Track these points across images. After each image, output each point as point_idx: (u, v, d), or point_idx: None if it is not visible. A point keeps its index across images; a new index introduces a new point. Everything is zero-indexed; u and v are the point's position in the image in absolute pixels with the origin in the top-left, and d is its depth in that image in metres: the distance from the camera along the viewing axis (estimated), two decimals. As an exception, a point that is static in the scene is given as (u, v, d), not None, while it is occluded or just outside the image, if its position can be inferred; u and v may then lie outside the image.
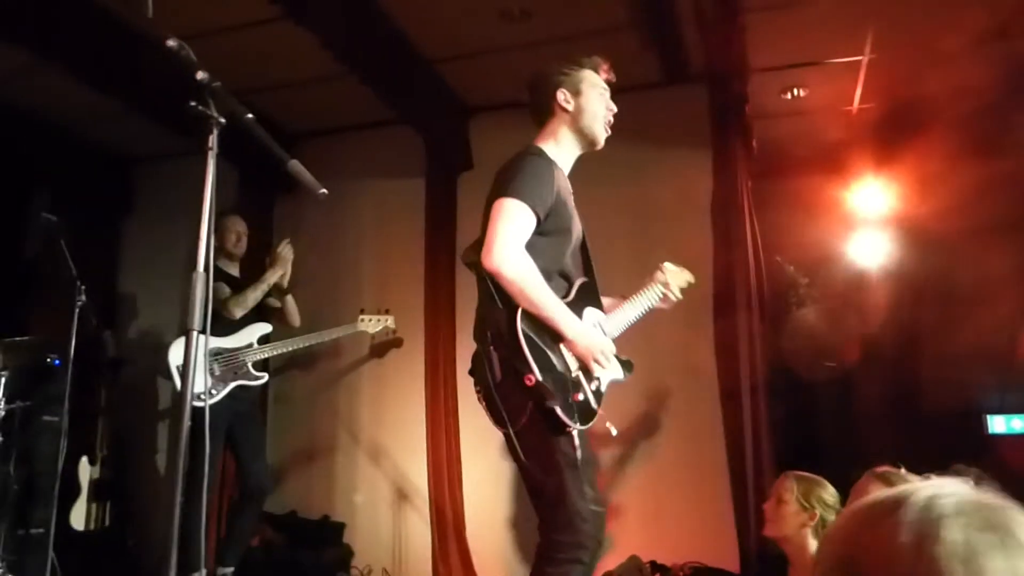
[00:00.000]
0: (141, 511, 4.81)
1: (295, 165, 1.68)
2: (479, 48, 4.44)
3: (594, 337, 2.37)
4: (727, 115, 4.43)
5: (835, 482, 2.85)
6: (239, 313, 4.04)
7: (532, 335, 2.26)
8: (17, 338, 3.86)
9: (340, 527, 4.81)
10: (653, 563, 4.00)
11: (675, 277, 2.85)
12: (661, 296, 2.76)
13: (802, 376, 4.88)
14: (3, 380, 3.71)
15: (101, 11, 3.77)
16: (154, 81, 4.18)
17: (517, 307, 2.25)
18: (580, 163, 2.66)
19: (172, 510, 1.38)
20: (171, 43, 1.56)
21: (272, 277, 4.19)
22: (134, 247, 5.75)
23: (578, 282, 2.52)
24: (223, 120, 1.59)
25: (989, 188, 4.76)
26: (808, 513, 2.72)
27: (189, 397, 1.47)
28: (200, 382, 3.78)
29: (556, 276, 2.43)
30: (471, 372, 2.40)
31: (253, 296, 4.10)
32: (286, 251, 4.26)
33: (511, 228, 2.27)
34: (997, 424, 6.27)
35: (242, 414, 4.01)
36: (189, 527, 3.55)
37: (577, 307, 2.45)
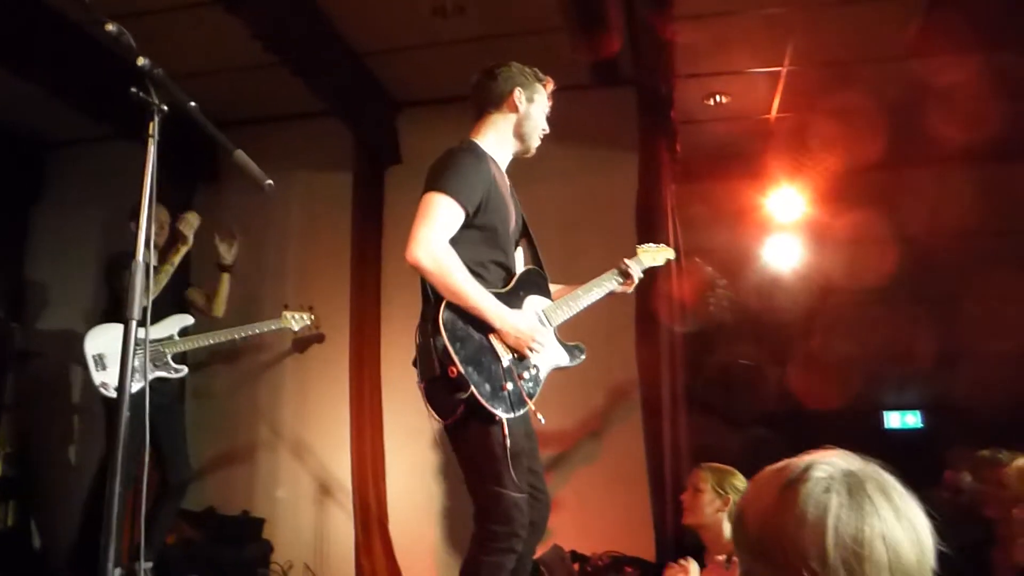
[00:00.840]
0: (48, 510, 4.62)
1: (240, 155, 1.66)
2: (410, 43, 4.44)
3: (524, 325, 2.40)
4: (653, 119, 4.55)
5: (746, 475, 3.00)
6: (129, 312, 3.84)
7: (457, 327, 2.31)
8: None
9: (260, 523, 4.73)
10: (573, 552, 4.09)
11: (650, 257, 2.96)
12: (621, 281, 2.82)
13: (718, 374, 5.08)
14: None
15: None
16: (72, 65, 4.05)
17: (442, 300, 2.31)
18: (510, 163, 2.72)
19: (111, 503, 1.35)
20: (111, 28, 1.53)
21: (176, 257, 4.00)
22: (43, 235, 5.50)
23: (521, 272, 2.59)
24: (164, 107, 1.57)
25: (893, 196, 5.04)
26: (722, 499, 2.88)
27: (127, 387, 1.45)
28: (115, 374, 3.71)
29: (492, 267, 2.48)
30: (413, 363, 2.43)
31: (161, 277, 3.92)
32: (186, 223, 4.04)
33: (434, 222, 2.31)
34: (892, 420, 6.66)
35: (163, 407, 3.90)
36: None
37: (515, 296, 2.50)
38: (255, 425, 4.96)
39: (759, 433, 5.07)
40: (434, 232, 2.30)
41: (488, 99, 2.62)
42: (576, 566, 3.88)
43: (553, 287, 2.73)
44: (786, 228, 5.43)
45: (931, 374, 5.82)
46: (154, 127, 1.57)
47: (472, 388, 2.24)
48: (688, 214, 4.78)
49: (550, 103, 2.70)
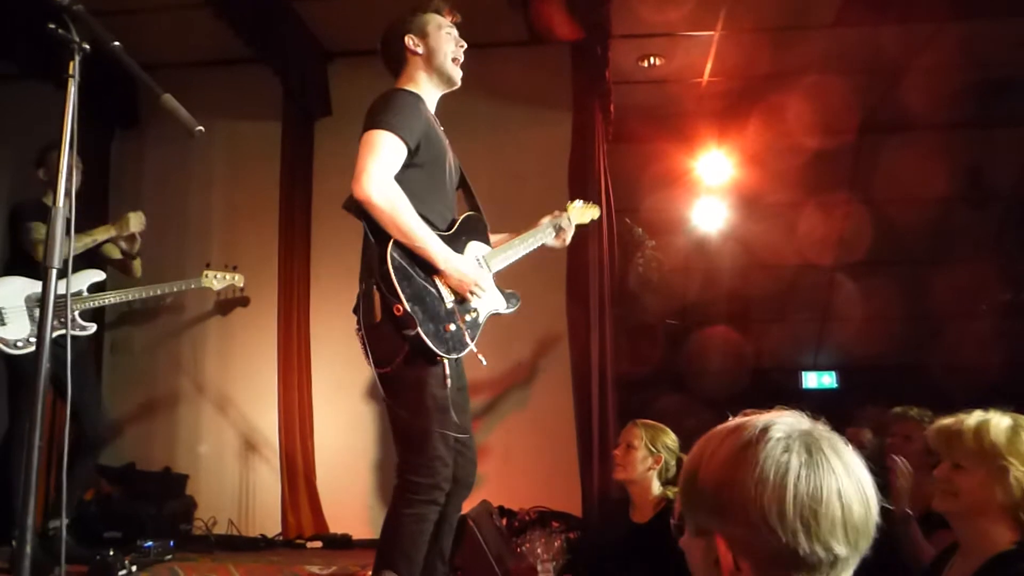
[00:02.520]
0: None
1: (169, 99, 1.58)
2: (343, -10, 4.31)
3: (467, 268, 2.42)
4: (588, 78, 4.55)
5: (674, 429, 3.09)
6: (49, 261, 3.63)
7: (404, 265, 2.30)
8: None
9: (183, 479, 4.65)
10: (501, 508, 4.16)
11: (579, 214, 3.01)
12: (554, 234, 2.85)
13: (645, 332, 5.19)
14: None
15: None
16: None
17: (389, 239, 2.29)
18: (444, 116, 2.68)
19: (30, 462, 1.30)
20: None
21: (101, 235, 3.83)
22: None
23: (463, 216, 2.59)
24: (86, 46, 1.48)
25: (816, 162, 5.20)
26: (654, 457, 2.95)
27: (47, 340, 1.39)
28: (17, 329, 3.54)
29: (436, 209, 2.47)
30: (354, 311, 2.39)
31: (74, 247, 3.71)
32: (134, 220, 3.84)
33: (380, 158, 2.29)
34: (810, 380, 6.98)
35: (71, 363, 3.72)
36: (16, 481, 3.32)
37: (458, 240, 2.50)
38: (177, 381, 4.84)
39: (686, 390, 5.22)
40: (382, 167, 2.28)
41: (390, 60, 2.61)
42: (504, 521, 3.94)
43: (491, 236, 2.74)
44: (714, 191, 5.54)
45: (849, 337, 6.09)
46: (74, 67, 1.48)
47: (418, 328, 2.23)
48: (620, 174, 4.83)
49: (449, 19, 2.62)
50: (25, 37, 3.85)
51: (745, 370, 5.48)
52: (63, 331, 3.61)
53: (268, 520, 4.52)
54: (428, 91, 2.58)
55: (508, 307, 2.64)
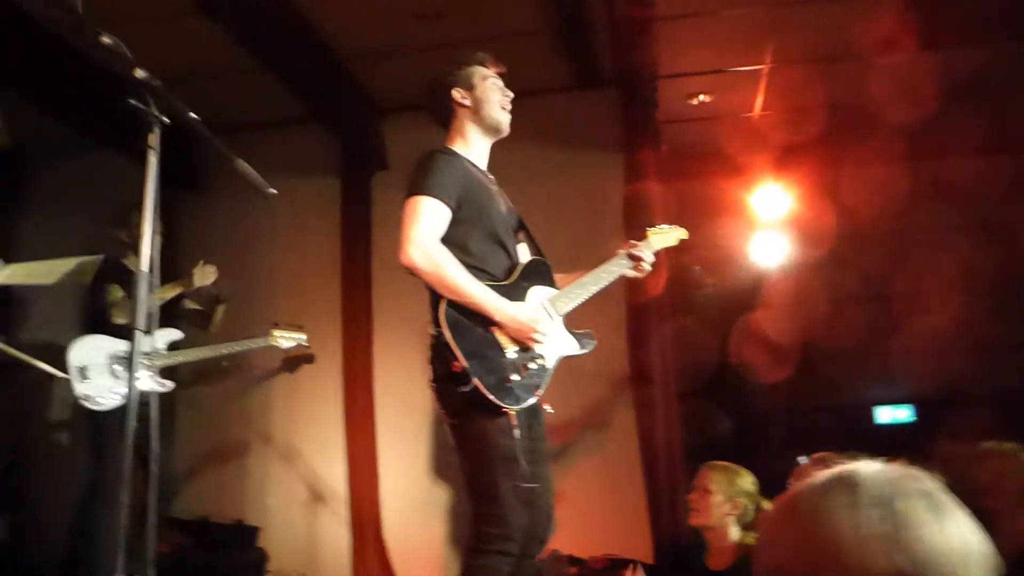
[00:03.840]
0: (38, 524, 4.57)
1: (242, 164, 1.67)
2: (394, 48, 4.44)
3: (524, 316, 2.41)
4: (638, 120, 4.59)
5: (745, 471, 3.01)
6: (120, 320, 3.77)
7: (459, 321, 2.32)
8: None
9: (254, 531, 4.70)
10: (570, 557, 4.09)
11: (661, 239, 2.91)
12: (631, 264, 2.76)
13: (708, 373, 5.11)
14: None
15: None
16: (53, 76, 4.02)
17: (442, 297, 2.33)
18: (494, 164, 2.73)
19: (119, 512, 1.35)
20: (106, 40, 1.52)
21: (169, 294, 3.98)
22: (25, 246, 5.43)
23: (524, 262, 2.60)
24: (165, 119, 1.56)
25: (878, 192, 5.10)
26: (732, 502, 2.86)
27: (134, 397, 1.45)
28: (99, 386, 3.67)
29: (491, 259, 2.50)
30: (430, 362, 2.42)
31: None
32: (198, 275, 4.03)
33: (420, 223, 2.35)
34: (883, 415, 6.73)
35: (144, 416, 3.84)
36: (99, 533, 3.39)
37: (518, 287, 2.50)
38: (246, 435, 4.93)
39: (752, 430, 5.10)
40: (423, 231, 2.34)
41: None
42: (574, 570, 3.88)
43: (558, 276, 2.70)
44: (773, 226, 5.47)
45: (925, 369, 5.86)
46: (154, 139, 1.56)
47: (475, 380, 2.25)
48: (675, 213, 4.80)
49: (494, 70, 2.67)
50: (100, 110, 4.06)
51: (814, 408, 5.33)
52: (146, 388, 3.77)
53: (338, 572, 4.53)
54: (477, 142, 2.63)
55: (582, 348, 2.59)
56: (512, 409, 2.31)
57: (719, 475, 2.92)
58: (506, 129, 2.65)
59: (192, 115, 1.60)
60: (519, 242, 2.71)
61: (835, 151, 5.02)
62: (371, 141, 5.01)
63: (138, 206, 1.63)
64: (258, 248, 5.13)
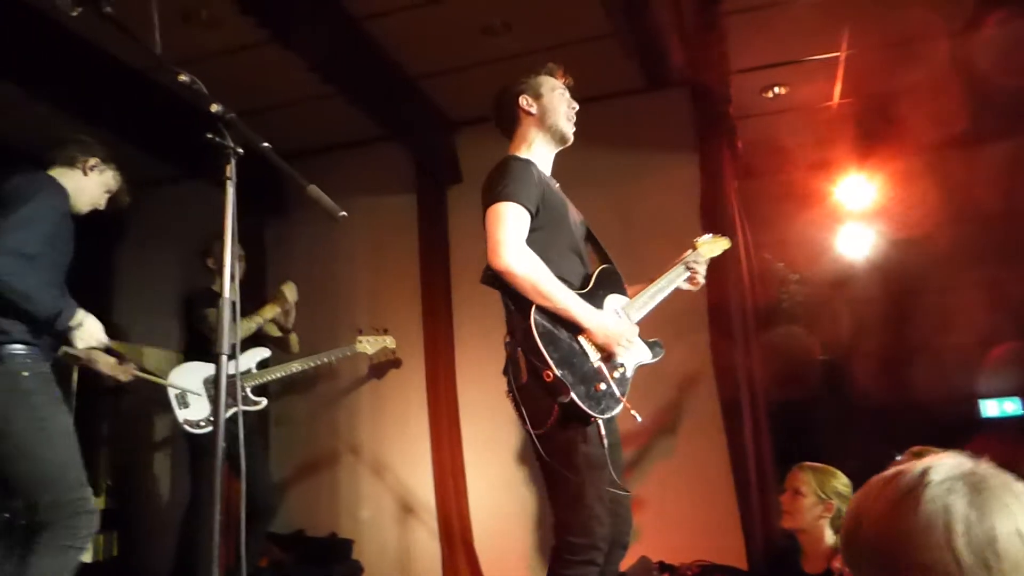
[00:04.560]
0: (146, 540, 4.80)
1: (314, 190, 1.73)
2: (463, 63, 4.48)
3: (613, 324, 2.41)
4: (711, 117, 4.51)
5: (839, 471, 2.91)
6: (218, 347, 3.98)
7: (549, 330, 2.31)
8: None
9: (348, 544, 4.81)
10: (661, 564, 4.04)
11: (709, 248, 2.91)
12: (687, 276, 2.78)
13: (796, 370, 4.95)
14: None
15: (85, 45, 3.80)
16: (141, 111, 4.24)
17: (531, 305, 2.31)
18: (566, 170, 2.75)
19: (212, 531, 1.41)
20: (183, 78, 1.60)
21: (268, 313, 4.21)
22: (126, 274, 5.74)
23: (597, 270, 2.59)
24: (240, 150, 1.63)
25: (967, 178, 4.86)
26: (824, 504, 2.77)
27: (221, 420, 1.51)
28: (199, 411, 3.83)
29: (568, 268, 2.49)
30: (504, 372, 2.43)
31: (246, 327, 4.09)
32: (288, 291, 4.29)
33: (509, 227, 2.35)
34: (990, 408, 6.37)
35: (243, 438, 3.98)
36: (201, 550, 3.56)
37: (596, 296, 2.50)
38: (336, 447, 5.06)
39: (847, 428, 4.92)
40: (514, 235, 2.34)
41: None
42: None
43: (634, 287, 2.73)
44: (858, 217, 5.28)
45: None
46: (231, 169, 1.63)
47: (572, 396, 2.23)
48: (754, 209, 4.70)
49: (563, 80, 2.70)
50: (183, 143, 4.27)
51: (912, 403, 5.10)
52: (236, 408, 3.93)
53: (431, 582, 4.59)
54: (541, 151, 2.65)
55: (653, 356, 2.59)
56: (601, 418, 2.30)
57: (810, 476, 2.83)
58: (570, 139, 2.67)
59: (265, 144, 1.66)
60: (590, 250, 2.71)
61: (921, 135, 4.81)
62: (444, 156, 5.08)
63: (219, 234, 1.70)
64: (340, 266, 5.27)
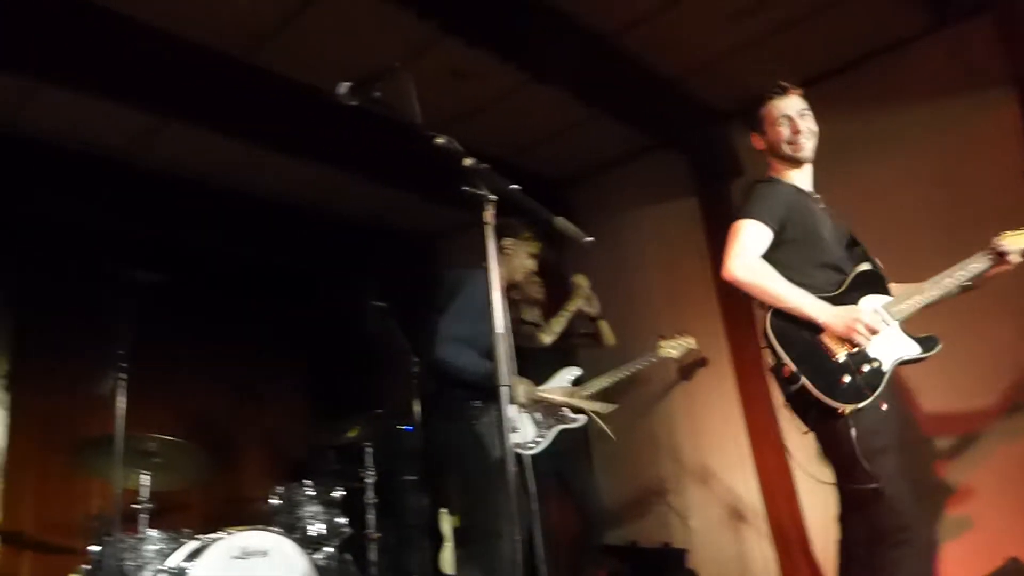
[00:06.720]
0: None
1: (560, 221, 1.91)
2: (719, 53, 4.35)
3: (848, 317, 2.47)
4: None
5: None
6: (548, 339, 4.33)
7: (786, 330, 2.49)
8: (376, 411, 4.35)
9: (681, 553, 4.81)
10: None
11: (1018, 241, 2.70)
12: (990, 264, 2.66)
13: None
14: (371, 451, 4.23)
15: (376, 122, 4.33)
16: (429, 170, 4.75)
17: (769, 309, 2.52)
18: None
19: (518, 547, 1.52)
20: (440, 140, 1.82)
21: (572, 306, 4.46)
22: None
23: (853, 273, 2.67)
24: (494, 197, 1.81)
25: None
26: None
27: (508, 442, 1.64)
28: (526, 433, 4.08)
29: (817, 273, 2.63)
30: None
31: (558, 323, 4.39)
32: (581, 280, 4.55)
33: (741, 242, 2.59)
34: None
35: (567, 453, 4.18)
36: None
37: (848, 296, 2.59)
38: (656, 456, 5.11)
39: None
40: (742, 250, 2.57)
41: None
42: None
43: (896, 286, 2.71)
44: None
45: None
46: (489, 215, 1.81)
47: (804, 381, 2.38)
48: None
49: (791, 95, 2.80)
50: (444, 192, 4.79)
51: None
52: (560, 427, 4.12)
53: (773, 591, 4.43)
54: (786, 171, 2.82)
55: (924, 351, 2.57)
56: (847, 407, 2.37)
57: None
58: (803, 161, 2.79)
59: (513, 186, 1.82)
60: (852, 257, 2.76)
61: None
62: (719, 150, 4.96)
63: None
64: (633, 274, 5.35)
